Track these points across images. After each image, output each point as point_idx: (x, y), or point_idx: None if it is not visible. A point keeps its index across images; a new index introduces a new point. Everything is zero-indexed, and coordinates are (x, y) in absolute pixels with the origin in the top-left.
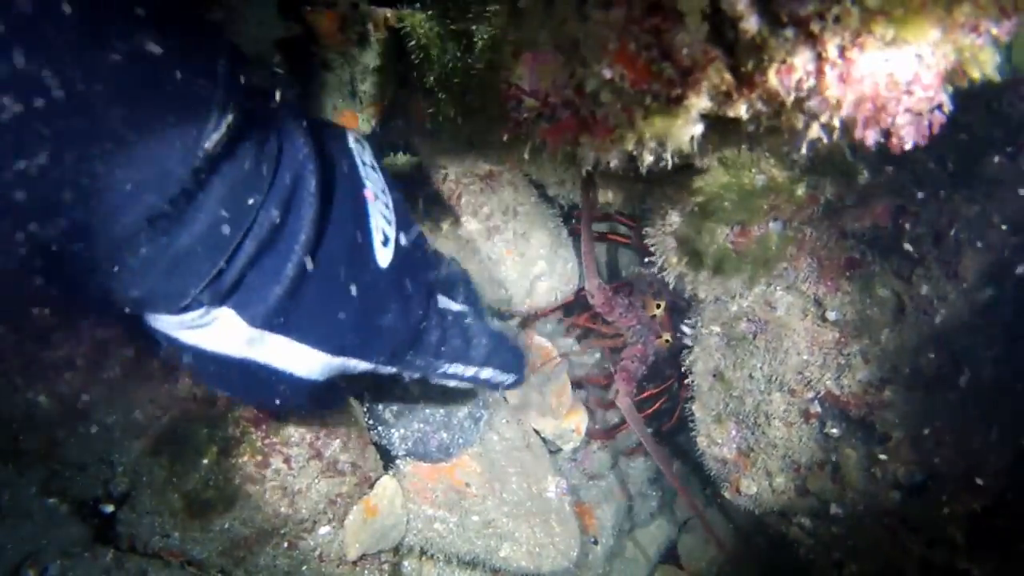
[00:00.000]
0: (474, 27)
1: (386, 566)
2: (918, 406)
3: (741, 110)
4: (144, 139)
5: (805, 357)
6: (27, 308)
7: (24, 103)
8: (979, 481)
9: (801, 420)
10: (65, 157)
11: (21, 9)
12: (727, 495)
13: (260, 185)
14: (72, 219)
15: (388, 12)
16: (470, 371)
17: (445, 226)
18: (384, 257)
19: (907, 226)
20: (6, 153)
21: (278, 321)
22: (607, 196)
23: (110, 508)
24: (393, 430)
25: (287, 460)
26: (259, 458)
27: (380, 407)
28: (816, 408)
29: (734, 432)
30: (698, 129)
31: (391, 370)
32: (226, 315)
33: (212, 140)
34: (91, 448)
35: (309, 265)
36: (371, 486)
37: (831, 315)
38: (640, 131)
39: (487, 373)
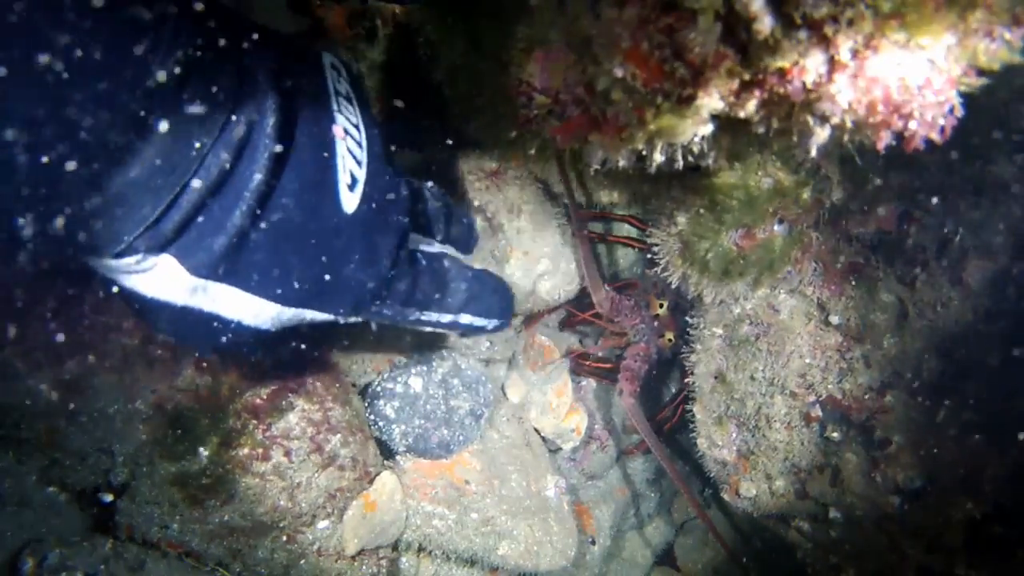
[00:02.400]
0: (483, 24)
1: (384, 562)
2: (919, 412)
3: (752, 111)
4: (75, 71)
5: (807, 360)
6: (29, 294)
7: None
8: (978, 488)
9: (802, 423)
10: None
11: None
12: (726, 497)
13: (211, 127)
14: None
15: (397, 8)
16: (446, 318)
17: None
18: (350, 202)
19: (912, 231)
20: None
21: (223, 270)
22: (612, 196)
23: (109, 498)
24: (394, 426)
25: (287, 453)
26: (260, 451)
27: (381, 403)
28: (817, 412)
29: (734, 434)
30: (708, 129)
31: (355, 320)
32: (167, 262)
33: (156, 78)
34: (91, 437)
35: (260, 211)
36: (371, 481)
37: (834, 319)
38: (650, 130)
39: (466, 319)
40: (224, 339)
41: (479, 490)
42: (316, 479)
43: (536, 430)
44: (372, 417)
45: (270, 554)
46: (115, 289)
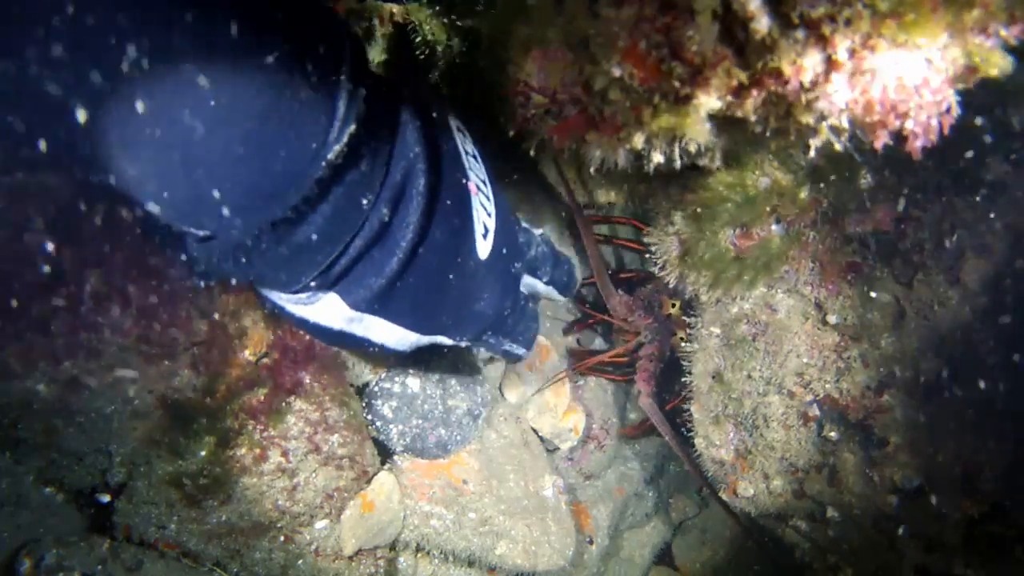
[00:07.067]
0: (481, 23)
1: (382, 562)
2: (917, 411)
3: (749, 110)
4: (268, 154)
5: (805, 360)
6: (27, 295)
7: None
8: (976, 487)
9: (799, 423)
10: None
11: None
12: (724, 497)
13: (373, 185)
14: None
15: (394, 7)
16: (510, 347)
17: None
18: (484, 248)
19: (909, 231)
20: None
21: (378, 305)
22: (609, 196)
23: (107, 498)
24: (391, 426)
25: (285, 453)
26: (257, 451)
27: (379, 403)
28: (815, 411)
29: (732, 434)
30: (706, 128)
31: (467, 345)
32: (331, 298)
33: (334, 151)
34: (89, 438)
35: (411, 258)
36: (368, 481)
37: (832, 318)
38: (648, 130)
39: (519, 350)
40: (369, 353)
41: (477, 490)
42: (314, 479)
43: (534, 430)
44: (370, 417)
45: (268, 554)
46: (289, 317)
